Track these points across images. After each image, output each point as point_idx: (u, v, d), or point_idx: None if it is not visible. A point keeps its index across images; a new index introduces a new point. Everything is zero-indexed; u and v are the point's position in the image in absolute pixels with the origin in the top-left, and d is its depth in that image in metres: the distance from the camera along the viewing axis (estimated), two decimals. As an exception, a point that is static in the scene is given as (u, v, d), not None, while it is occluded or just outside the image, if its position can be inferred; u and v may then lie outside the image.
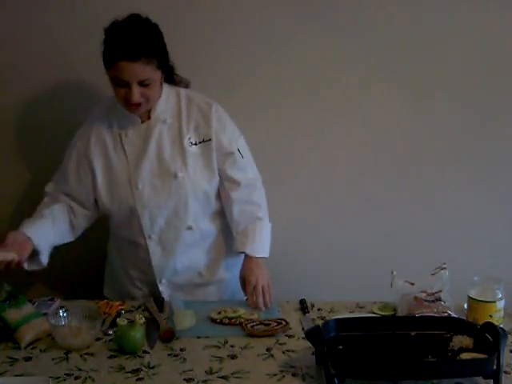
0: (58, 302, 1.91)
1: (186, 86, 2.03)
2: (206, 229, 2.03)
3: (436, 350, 1.54)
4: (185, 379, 1.51)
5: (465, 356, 1.50)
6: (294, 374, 1.53)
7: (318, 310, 1.91)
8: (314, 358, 1.56)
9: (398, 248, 2.45)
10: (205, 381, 1.50)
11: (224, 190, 2.02)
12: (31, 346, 1.67)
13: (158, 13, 2.27)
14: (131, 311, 1.89)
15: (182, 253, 2.01)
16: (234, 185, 2.00)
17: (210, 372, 1.54)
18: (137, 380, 1.51)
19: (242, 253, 1.99)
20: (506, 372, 1.51)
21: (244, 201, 2.02)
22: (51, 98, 2.36)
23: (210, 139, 1.94)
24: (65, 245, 2.00)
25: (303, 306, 1.92)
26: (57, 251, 1.94)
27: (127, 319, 1.67)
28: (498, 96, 2.36)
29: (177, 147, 1.93)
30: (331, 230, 2.48)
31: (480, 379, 1.47)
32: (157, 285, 2.03)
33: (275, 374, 1.53)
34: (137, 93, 1.80)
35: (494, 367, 1.42)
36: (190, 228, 1.98)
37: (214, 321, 1.81)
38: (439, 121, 2.39)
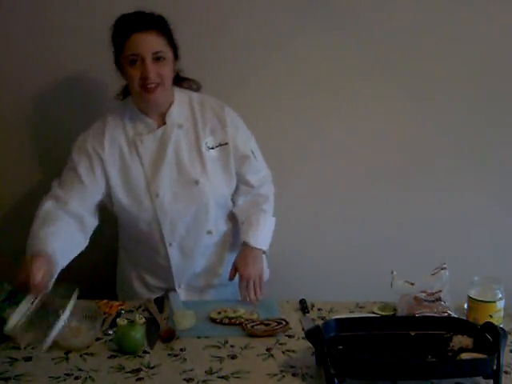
0: (58, 302, 1.91)
1: (197, 89, 2.01)
2: (224, 230, 2.04)
3: (436, 350, 1.54)
4: (185, 379, 1.51)
5: (465, 356, 1.50)
6: (294, 374, 1.53)
7: (318, 310, 1.91)
8: (314, 358, 1.56)
9: (398, 248, 2.45)
10: (205, 381, 1.50)
11: (237, 191, 2.03)
12: (31, 346, 1.67)
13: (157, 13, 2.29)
14: (131, 311, 1.89)
15: (201, 256, 2.02)
16: (248, 188, 2.02)
17: (210, 372, 1.54)
18: (137, 380, 1.51)
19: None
20: (506, 372, 1.51)
21: (252, 194, 2.04)
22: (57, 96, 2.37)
23: (226, 143, 1.93)
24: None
25: (303, 306, 1.92)
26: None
27: (127, 319, 1.67)
28: (498, 96, 2.36)
29: (195, 152, 1.91)
30: (331, 229, 2.48)
31: (480, 379, 1.47)
32: (175, 290, 2.03)
33: (275, 374, 1.53)
34: (152, 69, 1.78)
35: (494, 367, 1.42)
36: (209, 232, 1.98)
37: (213, 321, 1.81)
38: (439, 121, 2.39)
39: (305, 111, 2.37)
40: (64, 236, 1.76)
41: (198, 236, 1.96)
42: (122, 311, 1.87)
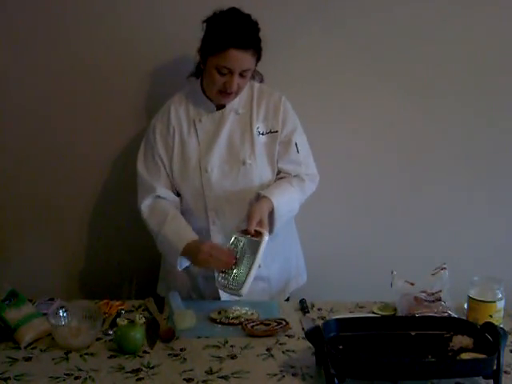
0: (58, 302, 1.90)
1: (261, 80, 2.08)
2: None
3: (436, 350, 1.54)
4: (185, 379, 1.51)
5: (465, 356, 1.50)
6: (294, 374, 1.53)
7: (318, 310, 1.91)
8: (314, 358, 1.56)
9: (398, 248, 2.45)
10: (205, 381, 1.51)
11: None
12: (31, 346, 1.67)
13: (156, 12, 2.29)
14: (131, 311, 1.89)
15: None
16: (283, 175, 2.02)
17: (210, 372, 1.54)
18: (137, 380, 1.51)
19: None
20: (506, 372, 1.51)
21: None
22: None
23: (276, 131, 2.00)
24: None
25: (303, 306, 1.92)
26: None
27: (127, 319, 1.67)
28: (498, 96, 2.36)
29: (247, 136, 1.99)
30: (331, 229, 2.48)
31: (480, 379, 1.47)
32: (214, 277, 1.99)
33: (275, 374, 1.53)
34: (236, 82, 1.88)
35: (494, 367, 1.42)
36: None
37: (213, 321, 1.81)
38: (440, 121, 2.39)
39: (304, 111, 2.36)
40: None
41: (240, 219, 1.95)
42: (122, 311, 1.87)
